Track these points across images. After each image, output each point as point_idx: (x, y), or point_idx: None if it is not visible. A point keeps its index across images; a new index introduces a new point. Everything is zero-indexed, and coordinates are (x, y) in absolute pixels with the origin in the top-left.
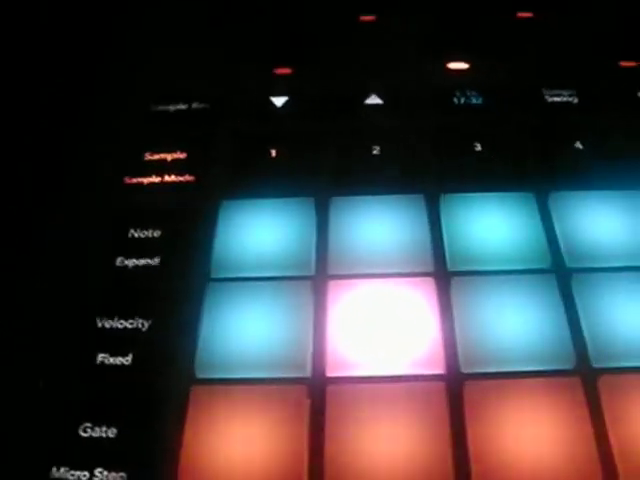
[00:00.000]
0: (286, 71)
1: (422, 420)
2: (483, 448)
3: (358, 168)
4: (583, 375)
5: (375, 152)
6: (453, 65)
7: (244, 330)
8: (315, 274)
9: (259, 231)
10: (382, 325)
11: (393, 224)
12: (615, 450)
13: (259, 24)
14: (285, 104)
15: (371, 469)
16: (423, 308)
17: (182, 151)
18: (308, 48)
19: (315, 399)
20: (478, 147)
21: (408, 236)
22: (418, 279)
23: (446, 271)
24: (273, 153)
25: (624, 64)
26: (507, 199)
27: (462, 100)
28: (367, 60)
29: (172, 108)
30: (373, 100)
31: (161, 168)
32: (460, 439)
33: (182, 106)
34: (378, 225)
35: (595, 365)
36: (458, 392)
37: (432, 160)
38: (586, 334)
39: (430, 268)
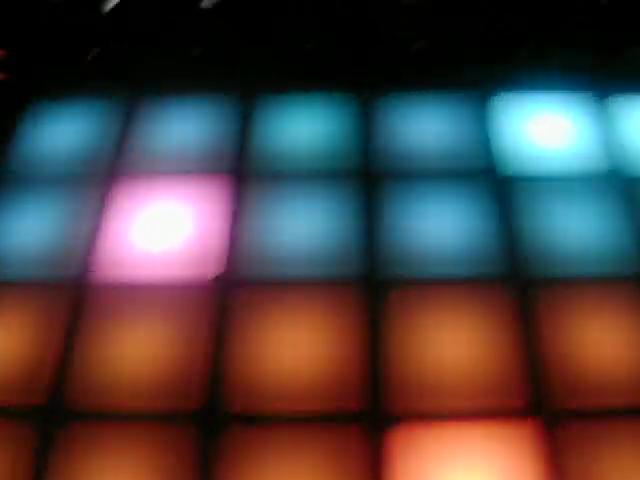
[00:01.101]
0: None
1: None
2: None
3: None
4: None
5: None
6: None
7: (24, 229)
8: (103, 172)
9: (56, 132)
10: (165, 224)
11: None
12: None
13: None
14: None
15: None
16: (214, 208)
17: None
18: None
19: (76, 300)
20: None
21: (207, 136)
22: (214, 177)
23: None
24: (95, 51)
25: None
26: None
27: None
28: None
29: None
30: None
31: None
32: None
33: None
34: (183, 125)
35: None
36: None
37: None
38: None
39: (229, 166)
